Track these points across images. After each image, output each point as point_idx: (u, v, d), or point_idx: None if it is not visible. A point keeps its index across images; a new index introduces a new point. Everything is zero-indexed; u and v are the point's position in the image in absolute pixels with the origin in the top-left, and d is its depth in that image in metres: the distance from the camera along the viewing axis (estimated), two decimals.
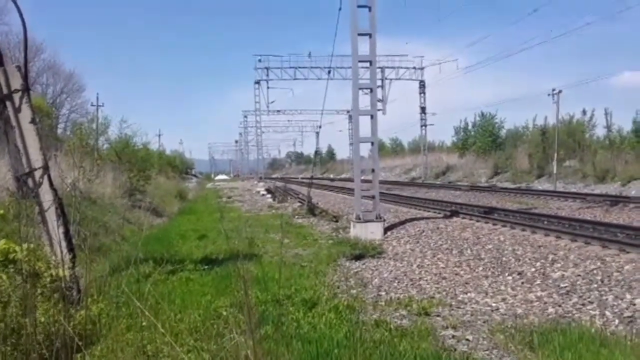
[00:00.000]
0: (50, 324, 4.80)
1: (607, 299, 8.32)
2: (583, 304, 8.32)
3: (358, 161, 19.34)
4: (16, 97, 7.48)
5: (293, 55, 52.86)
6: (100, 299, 6.95)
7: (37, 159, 7.47)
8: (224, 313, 7.20)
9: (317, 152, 73.81)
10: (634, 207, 19.55)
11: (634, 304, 7.91)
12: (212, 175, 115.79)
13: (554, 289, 9.27)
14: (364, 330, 6.77)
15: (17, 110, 7.47)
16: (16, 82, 7.51)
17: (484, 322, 7.79)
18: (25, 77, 7.65)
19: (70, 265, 6.91)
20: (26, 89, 7.60)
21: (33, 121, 7.57)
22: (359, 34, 17.16)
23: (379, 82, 44.33)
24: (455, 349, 6.47)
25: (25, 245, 5.51)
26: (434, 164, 58.70)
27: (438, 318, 7.96)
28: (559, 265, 10.54)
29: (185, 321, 6.62)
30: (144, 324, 5.14)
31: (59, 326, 4.26)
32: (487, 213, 19.25)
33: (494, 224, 16.16)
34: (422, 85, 54.32)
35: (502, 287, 9.77)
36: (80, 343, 3.74)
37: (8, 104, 7.45)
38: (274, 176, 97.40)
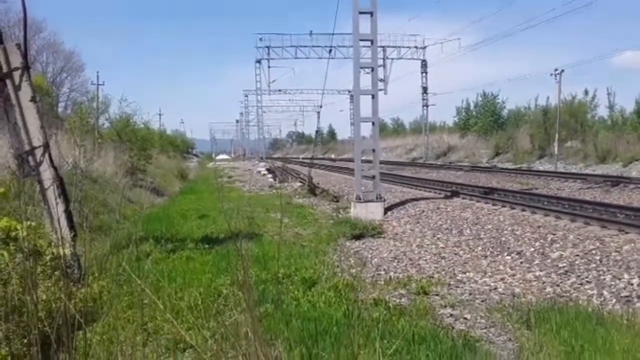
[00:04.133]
0: (52, 302, 4.85)
1: (605, 279, 8.36)
2: (581, 284, 8.37)
3: (359, 141, 19.32)
4: (16, 75, 7.48)
5: (294, 34, 52.48)
6: (101, 276, 7.02)
7: (37, 138, 7.49)
8: (224, 291, 7.27)
9: (318, 132, 73.75)
10: (635, 188, 19.54)
11: (632, 284, 7.96)
12: (213, 155, 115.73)
13: (553, 268, 9.32)
14: (363, 309, 6.83)
15: (17, 89, 7.47)
16: (16, 60, 7.50)
17: (482, 301, 7.86)
18: (25, 55, 7.63)
19: (72, 243, 6.97)
20: (26, 67, 7.59)
21: (33, 99, 7.57)
22: (360, 12, 17.04)
23: (380, 62, 44.17)
24: (453, 327, 6.55)
25: (26, 223, 5.54)
26: (435, 145, 58.55)
27: (437, 297, 8.03)
28: (557, 245, 10.58)
29: (185, 299, 6.68)
30: (145, 301, 5.19)
31: (60, 303, 4.30)
32: (488, 193, 19.27)
33: (494, 205, 16.19)
34: (424, 64, 54.00)
35: (501, 267, 9.82)
36: (81, 320, 3.77)
37: (8, 82, 7.45)
38: (275, 156, 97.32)
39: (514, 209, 15.12)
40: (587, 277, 8.59)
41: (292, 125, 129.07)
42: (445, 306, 7.52)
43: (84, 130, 19.95)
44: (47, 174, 7.43)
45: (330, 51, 36.78)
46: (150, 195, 23.49)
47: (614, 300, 7.51)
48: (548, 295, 7.95)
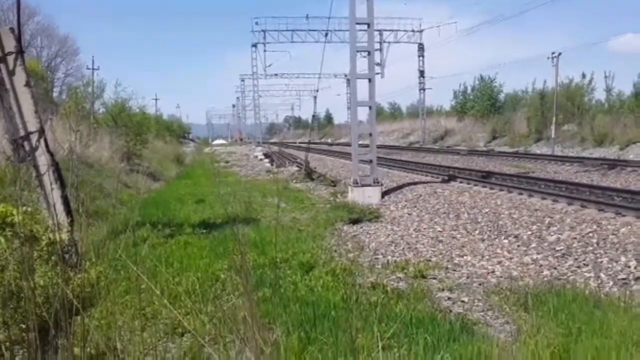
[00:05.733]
0: (49, 287, 4.83)
1: (602, 262, 8.39)
2: (578, 267, 8.39)
3: (356, 125, 19.26)
4: (10, 59, 7.39)
5: (290, 17, 52.10)
6: (98, 262, 7.00)
7: (32, 123, 7.43)
8: (222, 276, 7.28)
9: (314, 117, 73.57)
10: (631, 171, 19.58)
11: (629, 267, 7.98)
12: (210, 140, 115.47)
13: (550, 251, 9.34)
14: (361, 293, 6.85)
15: (11, 73, 7.38)
16: (10, 44, 7.41)
17: (480, 284, 7.88)
18: (18, 39, 7.54)
19: (68, 228, 6.94)
20: (20, 52, 7.50)
21: (28, 84, 7.50)
22: None
23: (377, 45, 43.87)
24: (450, 310, 6.56)
25: (22, 209, 5.51)
26: (432, 129, 58.46)
27: (434, 280, 8.05)
28: (555, 228, 10.60)
29: (183, 284, 6.68)
30: (142, 286, 5.18)
31: (58, 289, 4.29)
32: (485, 177, 19.29)
33: (491, 188, 16.21)
34: (421, 48, 53.75)
35: (498, 250, 9.84)
36: (79, 305, 3.77)
37: (2, 66, 7.36)
38: (271, 141, 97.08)
39: (511, 192, 15.14)
40: (584, 260, 8.62)
41: (288, 109, 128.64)
42: (443, 289, 7.54)
43: (80, 115, 19.83)
44: (42, 159, 7.38)
45: (326, 35, 36.63)
46: (147, 180, 23.44)
47: (611, 283, 7.54)
48: (545, 278, 7.97)
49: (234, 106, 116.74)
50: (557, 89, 38.00)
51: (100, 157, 21.03)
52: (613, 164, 21.76)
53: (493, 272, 8.58)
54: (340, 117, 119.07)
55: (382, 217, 13.83)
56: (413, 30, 52.10)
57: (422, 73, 54.83)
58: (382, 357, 4.05)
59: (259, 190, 18.79)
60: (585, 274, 8.04)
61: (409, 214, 14.10)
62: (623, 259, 8.33)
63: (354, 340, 4.39)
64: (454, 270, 8.74)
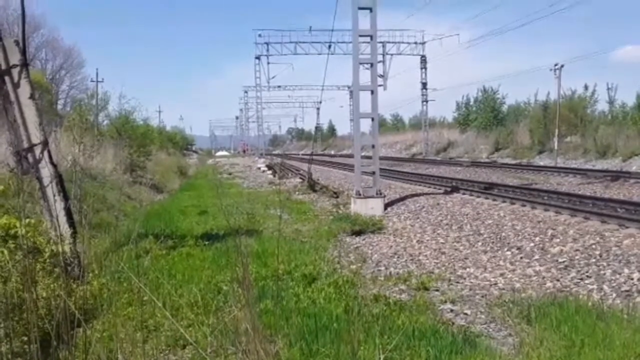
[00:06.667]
0: (52, 299, 4.85)
1: (605, 274, 8.36)
2: (581, 279, 8.36)
3: (358, 137, 19.30)
4: (15, 72, 7.46)
5: (294, 30, 52.33)
6: (101, 274, 7.01)
7: (36, 135, 7.48)
8: (224, 288, 7.27)
9: (317, 128, 73.71)
10: (635, 183, 19.55)
11: (632, 279, 7.95)
12: (213, 152, 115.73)
13: (553, 263, 9.32)
14: (363, 305, 6.83)
15: (15, 86, 7.45)
16: (14, 57, 7.48)
17: (482, 296, 7.85)
18: (23, 52, 7.62)
19: (71, 240, 6.96)
20: (24, 64, 7.57)
21: (32, 97, 7.56)
22: (360, 8, 16.99)
23: (379, 57, 44.04)
24: (453, 323, 6.54)
25: (25, 221, 5.53)
26: (435, 140, 58.54)
27: (437, 292, 8.02)
28: (557, 240, 10.58)
29: (185, 296, 6.68)
30: (145, 298, 5.19)
31: (60, 301, 4.30)
32: (488, 189, 19.27)
33: (494, 200, 16.19)
34: (424, 60, 53.95)
35: (501, 262, 9.82)
36: (81, 318, 3.77)
37: (7, 79, 7.43)
38: (274, 152, 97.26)
39: (513, 204, 15.12)
40: (587, 272, 8.59)
41: (291, 121, 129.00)
42: (446, 301, 7.51)
43: (84, 127, 19.92)
44: (46, 171, 7.43)
45: (329, 47, 36.75)
46: (150, 192, 23.49)
47: (614, 295, 7.51)
48: (548, 290, 7.94)
49: (237, 118, 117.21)
50: (560, 100, 38.04)
51: (103, 168, 21.09)
52: (616, 176, 21.72)
53: (496, 284, 8.55)
54: (343, 128, 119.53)
55: (384, 229, 13.82)
56: (416, 42, 52.38)
57: (424, 85, 55.01)
58: None
59: (261, 202, 18.79)
60: (588, 286, 8.01)
61: (411, 226, 14.09)
62: (626, 270, 8.31)
63: (356, 352, 4.38)
64: (457, 282, 8.71)
